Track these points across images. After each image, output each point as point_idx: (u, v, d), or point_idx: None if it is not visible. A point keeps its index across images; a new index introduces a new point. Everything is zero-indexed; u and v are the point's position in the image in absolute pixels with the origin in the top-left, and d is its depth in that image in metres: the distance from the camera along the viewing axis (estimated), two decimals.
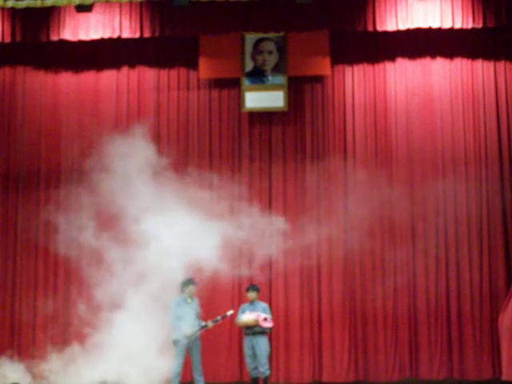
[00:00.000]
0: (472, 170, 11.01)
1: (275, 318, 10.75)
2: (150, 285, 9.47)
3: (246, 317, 9.59)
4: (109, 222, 10.28)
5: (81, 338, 10.24)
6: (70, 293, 11.10)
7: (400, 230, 10.98)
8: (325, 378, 10.77)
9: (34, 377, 10.62)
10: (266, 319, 9.54)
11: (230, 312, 9.65)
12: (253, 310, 9.64)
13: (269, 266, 10.99)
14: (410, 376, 10.70)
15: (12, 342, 11.07)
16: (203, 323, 9.49)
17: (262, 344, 9.54)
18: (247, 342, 9.62)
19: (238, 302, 10.68)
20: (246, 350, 9.65)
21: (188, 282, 9.52)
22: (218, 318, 9.60)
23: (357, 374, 10.75)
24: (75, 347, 10.29)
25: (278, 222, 11.01)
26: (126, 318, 9.76)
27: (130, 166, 10.22)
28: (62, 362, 10.35)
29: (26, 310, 11.15)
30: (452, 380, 10.63)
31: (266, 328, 9.58)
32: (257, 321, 9.50)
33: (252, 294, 9.75)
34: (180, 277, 9.46)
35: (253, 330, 9.55)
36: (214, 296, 10.66)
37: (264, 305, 9.78)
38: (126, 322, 9.69)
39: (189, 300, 9.52)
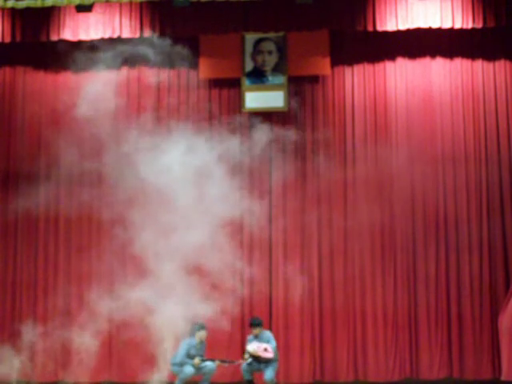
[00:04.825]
0: (472, 170, 11.02)
1: (275, 317, 10.81)
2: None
3: (251, 348, 9.60)
4: (109, 221, 10.34)
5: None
6: (71, 292, 11.10)
7: (400, 229, 10.98)
8: (325, 378, 10.78)
9: (37, 372, 10.69)
10: (265, 349, 9.52)
11: (239, 362, 9.74)
12: (258, 341, 9.66)
13: (269, 265, 11.00)
14: (410, 376, 10.69)
15: (13, 336, 11.03)
16: (211, 360, 9.70)
17: (270, 373, 9.53)
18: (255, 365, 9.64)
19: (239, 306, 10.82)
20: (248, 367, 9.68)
21: (199, 326, 9.71)
22: (227, 361, 9.79)
23: (357, 373, 10.76)
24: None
25: (279, 222, 11.04)
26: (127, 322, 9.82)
27: (130, 166, 10.24)
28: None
29: (26, 308, 11.14)
30: (452, 380, 10.63)
31: (271, 359, 9.56)
32: (257, 352, 9.51)
33: (256, 330, 9.76)
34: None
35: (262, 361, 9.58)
36: (215, 295, 10.66)
37: (267, 334, 9.79)
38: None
39: (198, 346, 9.71)
